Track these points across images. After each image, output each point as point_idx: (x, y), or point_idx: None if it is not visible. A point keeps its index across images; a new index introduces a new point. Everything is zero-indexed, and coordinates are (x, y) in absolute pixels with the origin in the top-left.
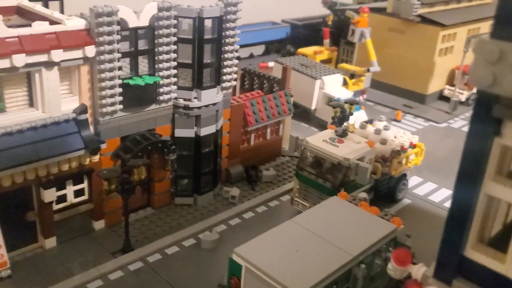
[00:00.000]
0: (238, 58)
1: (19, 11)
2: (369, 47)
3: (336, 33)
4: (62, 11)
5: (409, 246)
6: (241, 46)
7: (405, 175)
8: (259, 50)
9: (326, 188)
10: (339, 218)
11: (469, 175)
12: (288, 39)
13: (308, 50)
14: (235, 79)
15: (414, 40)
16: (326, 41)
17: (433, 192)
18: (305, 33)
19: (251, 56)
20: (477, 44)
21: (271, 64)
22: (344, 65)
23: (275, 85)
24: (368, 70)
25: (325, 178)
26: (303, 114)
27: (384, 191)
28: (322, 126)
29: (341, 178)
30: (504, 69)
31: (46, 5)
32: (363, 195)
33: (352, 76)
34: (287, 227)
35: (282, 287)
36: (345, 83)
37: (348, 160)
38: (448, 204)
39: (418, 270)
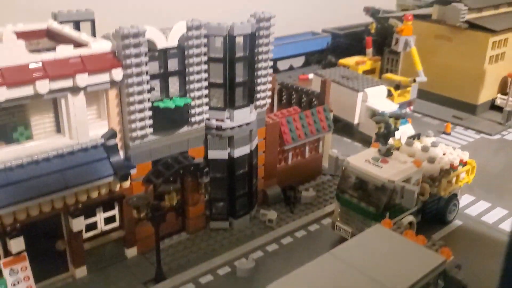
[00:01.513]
0: (277, 71)
1: (49, 33)
2: (414, 56)
3: (380, 41)
4: (94, 32)
5: (460, 279)
6: (281, 59)
7: (455, 194)
8: (299, 61)
9: (370, 212)
10: (383, 250)
11: None
12: (329, 49)
13: (350, 60)
14: (270, 97)
15: (462, 48)
16: (369, 50)
17: (486, 212)
18: (346, 43)
19: (291, 68)
20: None
21: (311, 76)
22: (388, 75)
23: (314, 99)
24: (414, 81)
25: (369, 202)
26: (345, 128)
27: (433, 213)
28: (365, 141)
29: (386, 201)
30: None
31: (77, 27)
32: (410, 218)
33: (397, 87)
34: (325, 261)
35: None
36: (390, 95)
37: (393, 182)
38: (504, 225)
39: None
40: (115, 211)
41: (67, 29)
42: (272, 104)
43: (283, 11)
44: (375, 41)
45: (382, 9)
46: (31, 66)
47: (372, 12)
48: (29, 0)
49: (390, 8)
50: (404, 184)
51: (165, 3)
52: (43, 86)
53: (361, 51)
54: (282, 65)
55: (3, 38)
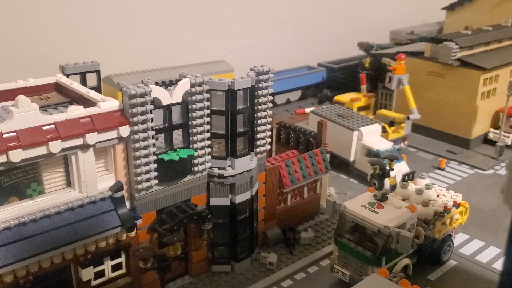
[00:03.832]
0: (274, 104)
1: (58, 87)
2: (407, 94)
3: (374, 75)
4: (99, 83)
5: None
6: (278, 93)
7: (450, 235)
8: (295, 95)
9: (366, 256)
10: None
11: None
12: (325, 83)
13: (345, 97)
14: (269, 143)
15: (454, 84)
16: (363, 87)
17: (480, 251)
18: (341, 77)
19: (288, 101)
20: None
21: (308, 110)
22: (383, 111)
23: (311, 139)
24: (408, 118)
25: (365, 246)
26: (341, 164)
27: (428, 254)
28: (361, 177)
29: (382, 246)
30: None
31: (84, 78)
32: (406, 261)
33: (391, 123)
34: None
35: None
36: (384, 131)
37: (389, 228)
38: (497, 265)
39: None
40: (122, 259)
41: (76, 85)
42: (271, 142)
43: (280, 46)
44: (369, 75)
45: (375, 43)
46: (44, 128)
47: (366, 47)
48: (37, 54)
49: (384, 41)
50: (400, 230)
51: (167, 43)
52: (56, 146)
53: (355, 85)
54: (280, 99)
55: (19, 103)
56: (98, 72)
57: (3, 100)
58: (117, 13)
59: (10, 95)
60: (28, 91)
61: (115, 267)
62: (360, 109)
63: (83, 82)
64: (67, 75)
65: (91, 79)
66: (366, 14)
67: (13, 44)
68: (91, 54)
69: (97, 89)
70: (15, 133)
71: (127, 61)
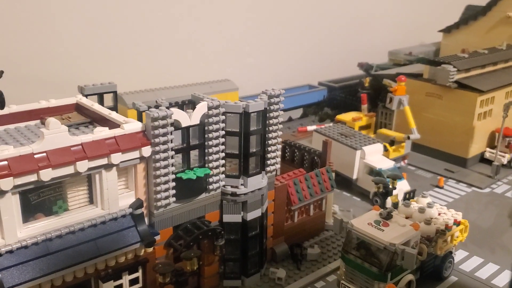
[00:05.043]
0: None
1: (78, 108)
2: (408, 114)
3: (373, 95)
4: (116, 103)
5: None
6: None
7: (450, 252)
8: (297, 113)
9: (373, 272)
10: None
11: None
12: (325, 101)
13: (347, 116)
14: (279, 162)
15: (452, 105)
16: (364, 106)
17: (479, 267)
18: (341, 96)
19: (290, 119)
20: None
21: (310, 128)
22: (384, 130)
23: (316, 158)
24: (409, 138)
25: (371, 262)
26: (344, 182)
27: (430, 270)
28: (364, 195)
29: (388, 263)
30: None
31: (101, 98)
32: (410, 277)
33: (392, 142)
34: None
35: None
36: (385, 150)
37: (394, 245)
38: (496, 281)
39: None
40: (139, 274)
41: (97, 106)
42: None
43: (282, 65)
44: (368, 95)
45: (375, 64)
46: (72, 148)
47: (365, 67)
48: (56, 76)
49: (383, 61)
50: (405, 247)
51: (174, 62)
52: (83, 166)
53: (356, 105)
54: (282, 117)
55: (49, 125)
56: (115, 93)
57: (26, 120)
58: (125, 33)
59: (33, 115)
60: (50, 111)
61: (132, 282)
62: (362, 128)
63: (101, 102)
64: (86, 96)
65: (107, 99)
66: (365, 34)
67: (28, 64)
68: (100, 72)
69: (114, 109)
70: (45, 154)
71: (135, 79)
